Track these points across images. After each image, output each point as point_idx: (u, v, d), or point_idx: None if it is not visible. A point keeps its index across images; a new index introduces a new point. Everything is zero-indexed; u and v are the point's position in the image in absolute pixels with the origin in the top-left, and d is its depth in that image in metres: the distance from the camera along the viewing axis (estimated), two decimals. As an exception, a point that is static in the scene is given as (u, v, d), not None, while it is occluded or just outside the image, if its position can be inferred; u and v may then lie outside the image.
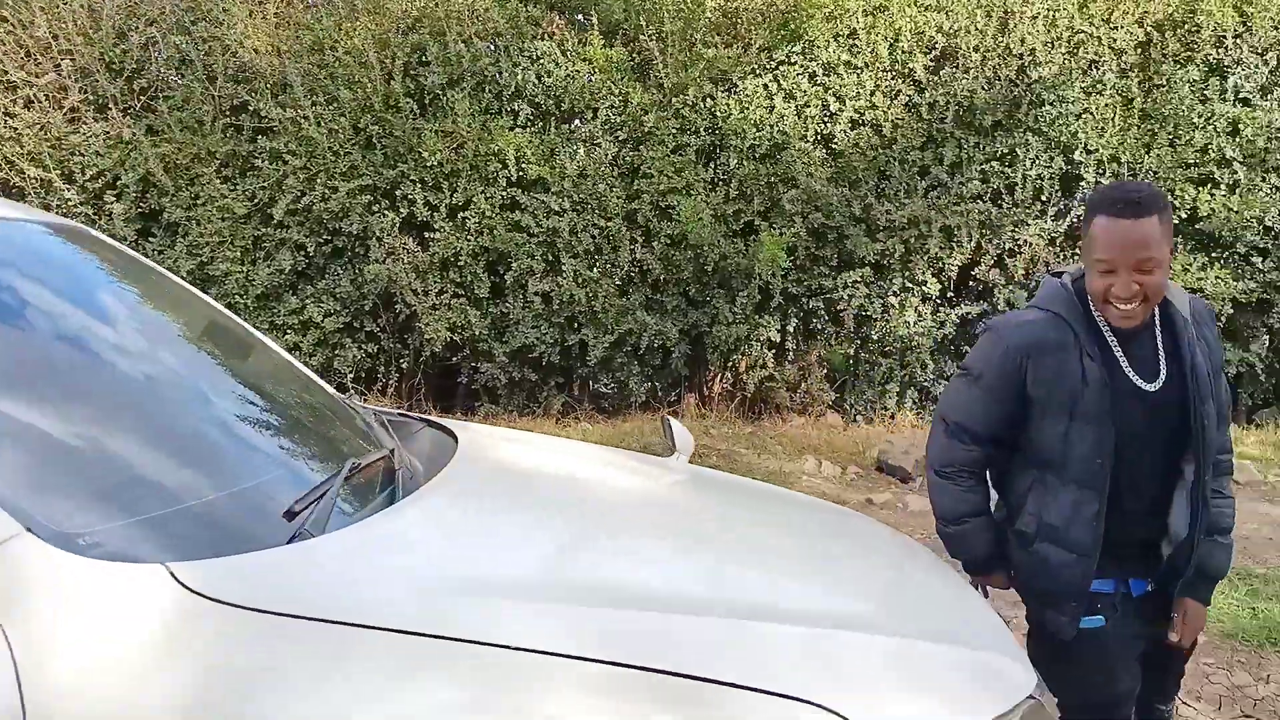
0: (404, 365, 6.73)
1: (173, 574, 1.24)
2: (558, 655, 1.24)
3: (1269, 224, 6.72)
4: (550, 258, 6.56)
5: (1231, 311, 6.78)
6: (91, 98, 6.40)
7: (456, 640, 1.23)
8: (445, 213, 6.49)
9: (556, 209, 6.51)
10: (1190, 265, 6.77)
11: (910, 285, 6.78)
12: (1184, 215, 6.77)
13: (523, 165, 6.45)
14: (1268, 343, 6.95)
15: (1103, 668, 2.07)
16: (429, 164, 6.33)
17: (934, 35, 6.73)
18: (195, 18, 6.49)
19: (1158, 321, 2.00)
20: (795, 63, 6.72)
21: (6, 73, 6.27)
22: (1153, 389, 1.96)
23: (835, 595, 1.71)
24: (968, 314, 6.85)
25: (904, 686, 1.40)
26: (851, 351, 7.00)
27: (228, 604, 1.22)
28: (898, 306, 6.77)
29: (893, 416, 6.93)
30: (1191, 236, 6.86)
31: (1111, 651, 2.05)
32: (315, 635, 1.21)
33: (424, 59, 6.51)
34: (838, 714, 1.26)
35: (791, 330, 6.85)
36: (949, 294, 6.93)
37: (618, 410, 6.90)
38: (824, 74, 6.72)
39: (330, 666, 1.20)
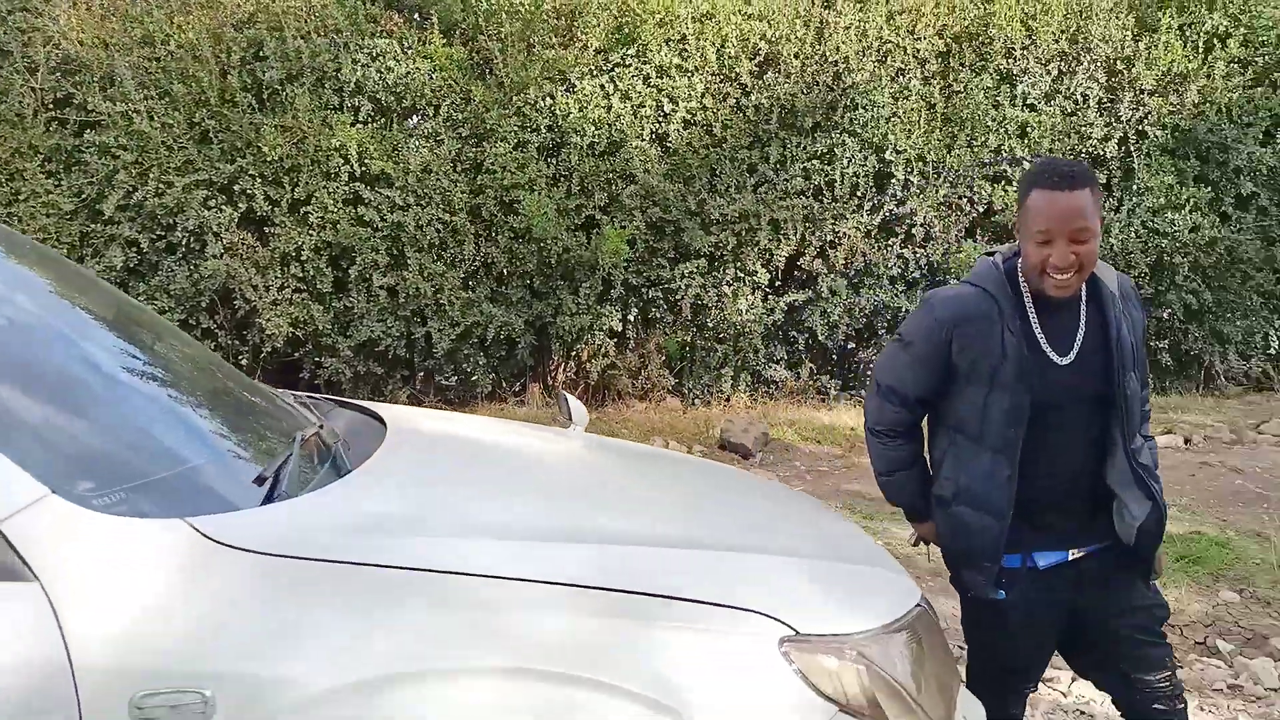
0: (243, 361, 6.67)
1: (194, 527, 1.40)
2: (530, 581, 1.46)
3: (1053, 217, 7.50)
4: (395, 252, 6.65)
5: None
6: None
7: (439, 571, 1.43)
8: (286, 207, 6.49)
9: (401, 204, 6.61)
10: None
11: (742, 275, 7.21)
12: (981, 209, 7.48)
13: (365, 160, 6.52)
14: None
15: (1004, 638, 2.18)
16: (269, 159, 6.32)
17: (758, 42, 7.19)
18: (11, 7, 6.26)
19: (1084, 297, 2.11)
20: (630, 65, 7.05)
21: None
22: (1064, 362, 2.06)
23: (745, 529, 1.96)
24: (794, 301, 7.33)
25: (823, 597, 1.66)
26: (688, 338, 7.38)
27: (243, 549, 1.39)
28: (731, 295, 7.19)
29: (728, 399, 7.35)
30: (988, 229, 7.57)
31: (1013, 623, 2.14)
32: (318, 572, 1.40)
33: (261, 54, 6.48)
34: (778, 619, 1.51)
35: (632, 319, 7.17)
36: (776, 283, 7.40)
37: (464, 401, 7.05)
38: (657, 76, 7.08)
39: (333, 598, 1.38)
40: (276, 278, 6.46)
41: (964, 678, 2.16)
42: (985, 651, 2.26)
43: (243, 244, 6.36)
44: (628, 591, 1.48)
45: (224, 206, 6.37)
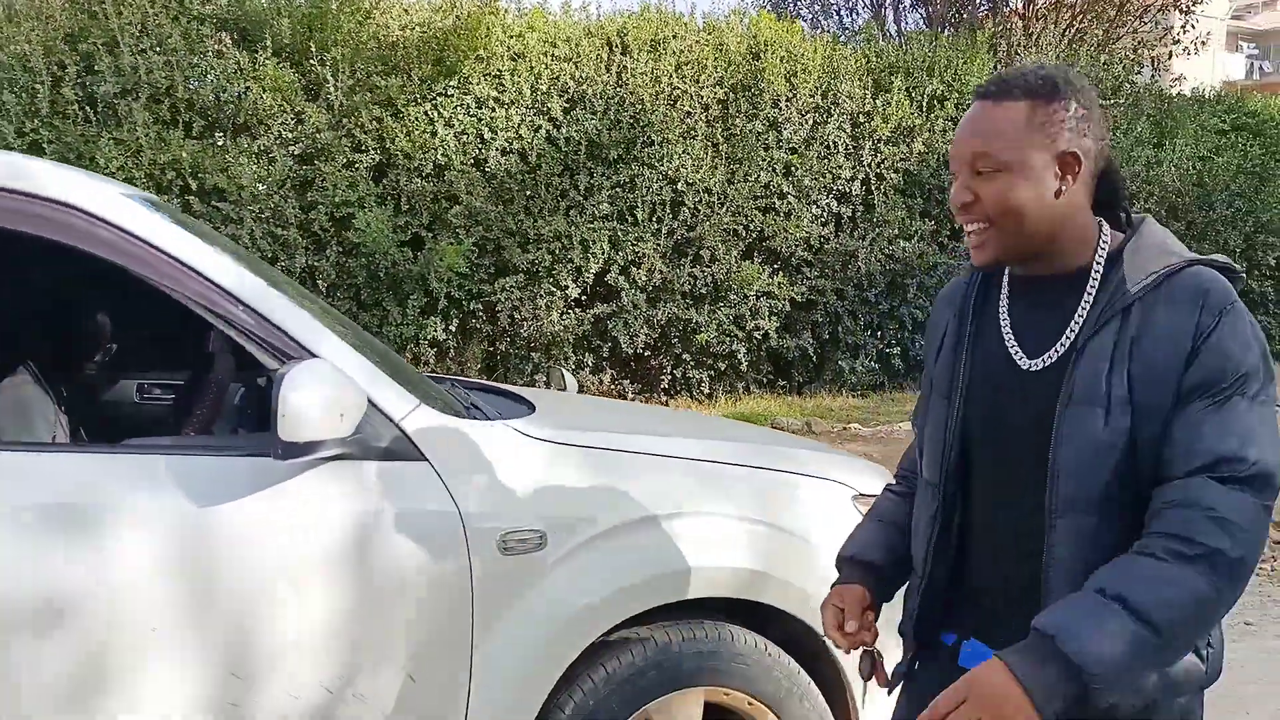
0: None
1: (512, 426, 2.11)
2: (712, 462, 2.28)
3: (812, 243, 8.87)
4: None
5: (789, 309, 8.84)
6: None
7: (658, 455, 2.25)
8: (118, 219, 6.57)
9: (234, 218, 6.88)
10: (761, 274, 8.69)
11: (555, 289, 8.01)
12: (754, 235, 8.70)
13: (199, 175, 6.74)
14: (811, 333, 9.13)
15: None
16: (105, 171, 6.42)
17: (567, 81, 8.03)
18: None
19: (1095, 283, 1.39)
20: (452, 95, 7.67)
21: None
22: (1029, 366, 1.41)
23: (783, 441, 2.83)
24: (599, 314, 8.22)
25: (863, 472, 2.48)
26: (503, 346, 8.07)
27: (539, 439, 2.13)
28: (545, 308, 7.96)
29: (543, 402, 8.10)
30: (762, 252, 8.81)
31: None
32: (583, 453, 2.16)
33: (95, 68, 6.56)
34: (847, 485, 2.38)
35: (454, 330, 7.77)
36: (584, 297, 8.26)
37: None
38: (477, 107, 7.75)
39: (600, 468, 2.16)
40: (107, 287, 6.52)
41: None
42: None
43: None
44: (772, 469, 2.35)
45: (52, 216, 6.37)
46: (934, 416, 1.52)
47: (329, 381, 1.77)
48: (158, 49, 6.66)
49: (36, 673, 1.72)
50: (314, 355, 1.86)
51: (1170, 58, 15.24)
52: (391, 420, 1.94)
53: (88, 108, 6.51)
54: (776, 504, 2.28)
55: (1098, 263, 1.39)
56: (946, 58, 9.80)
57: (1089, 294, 1.38)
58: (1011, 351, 1.44)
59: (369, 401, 1.90)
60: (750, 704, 2.18)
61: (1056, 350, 1.39)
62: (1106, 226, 1.43)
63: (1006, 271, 1.49)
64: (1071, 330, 1.38)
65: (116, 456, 1.87)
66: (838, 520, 2.22)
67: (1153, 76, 13.91)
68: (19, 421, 2.52)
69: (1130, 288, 1.34)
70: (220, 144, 6.91)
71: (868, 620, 1.56)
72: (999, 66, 10.66)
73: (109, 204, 1.91)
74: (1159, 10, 14.73)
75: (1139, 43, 14.46)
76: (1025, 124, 1.35)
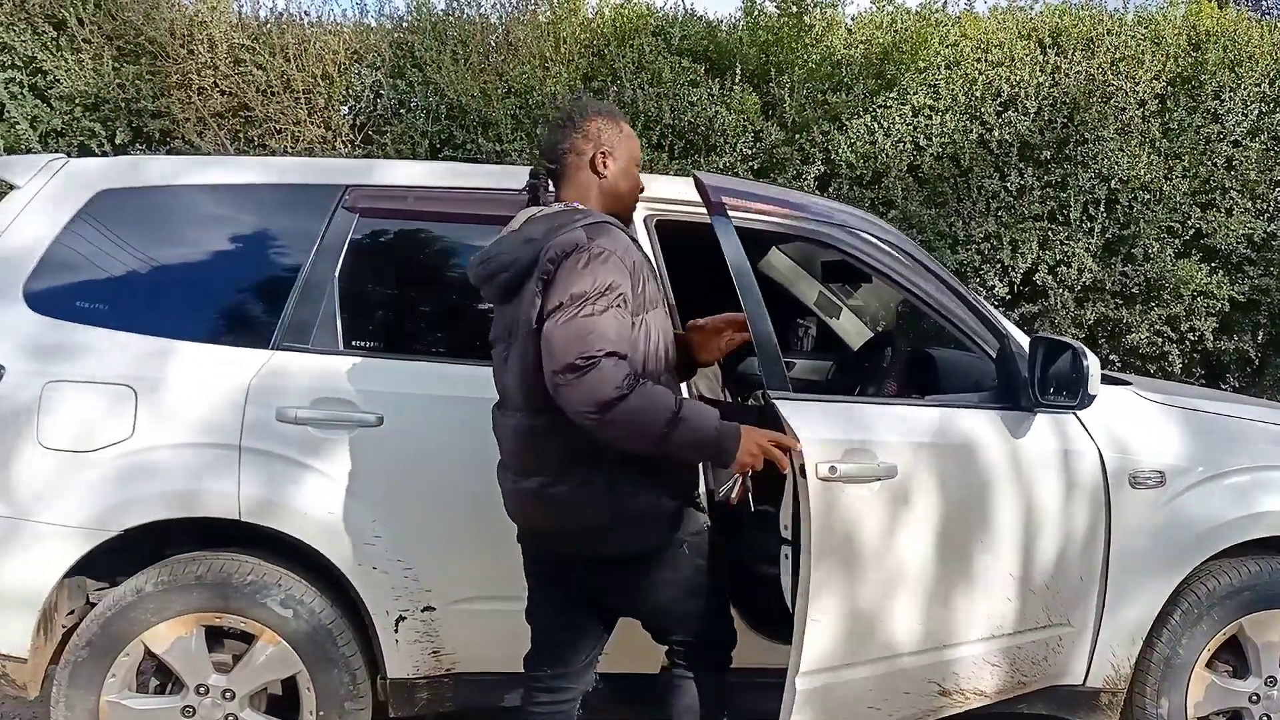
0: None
1: (1134, 391, 2.76)
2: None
3: (1255, 239, 8.55)
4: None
5: (1228, 309, 8.57)
6: None
7: (1242, 419, 2.84)
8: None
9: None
10: (1199, 272, 8.51)
11: (981, 288, 8.40)
12: (1191, 233, 8.52)
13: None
14: (1252, 335, 8.76)
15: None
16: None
17: (1001, 85, 8.36)
18: None
19: None
20: (890, 106, 8.30)
21: None
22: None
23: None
24: (1025, 313, 8.48)
25: None
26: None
27: (1160, 404, 2.80)
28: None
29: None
30: (1200, 249, 8.61)
31: None
32: (1194, 416, 2.78)
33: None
34: None
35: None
36: (1010, 296, 8.55)
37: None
38: (913, 115, 8.31)
39: (1207, 428, 2.79)
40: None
41: None
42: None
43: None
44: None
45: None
46: None
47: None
48: (652, 82, 7.89)
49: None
50: (1007, 335, 2.58)
51: None
52: None
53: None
54: None
55: None
56: None
57: None
58: None
59: None
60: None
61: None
62: None
63: None
64: None
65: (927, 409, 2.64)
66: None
67: None
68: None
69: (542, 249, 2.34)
70: (695, 162, 8.04)
71: None
72: None
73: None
74: None
75: None
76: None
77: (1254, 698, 2.65)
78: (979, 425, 2.44)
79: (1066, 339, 2.50)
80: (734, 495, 2.45)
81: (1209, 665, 2.66)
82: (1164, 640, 2.59)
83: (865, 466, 2.22)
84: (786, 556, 2.30)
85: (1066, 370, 2.39)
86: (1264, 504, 2.57)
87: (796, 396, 2.33)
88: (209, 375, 2.79)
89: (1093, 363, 2.36)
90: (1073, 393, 2.37)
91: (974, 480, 2.40)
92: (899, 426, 2.37)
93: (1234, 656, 2.70)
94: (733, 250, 2.39)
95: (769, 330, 2.35)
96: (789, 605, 2.32)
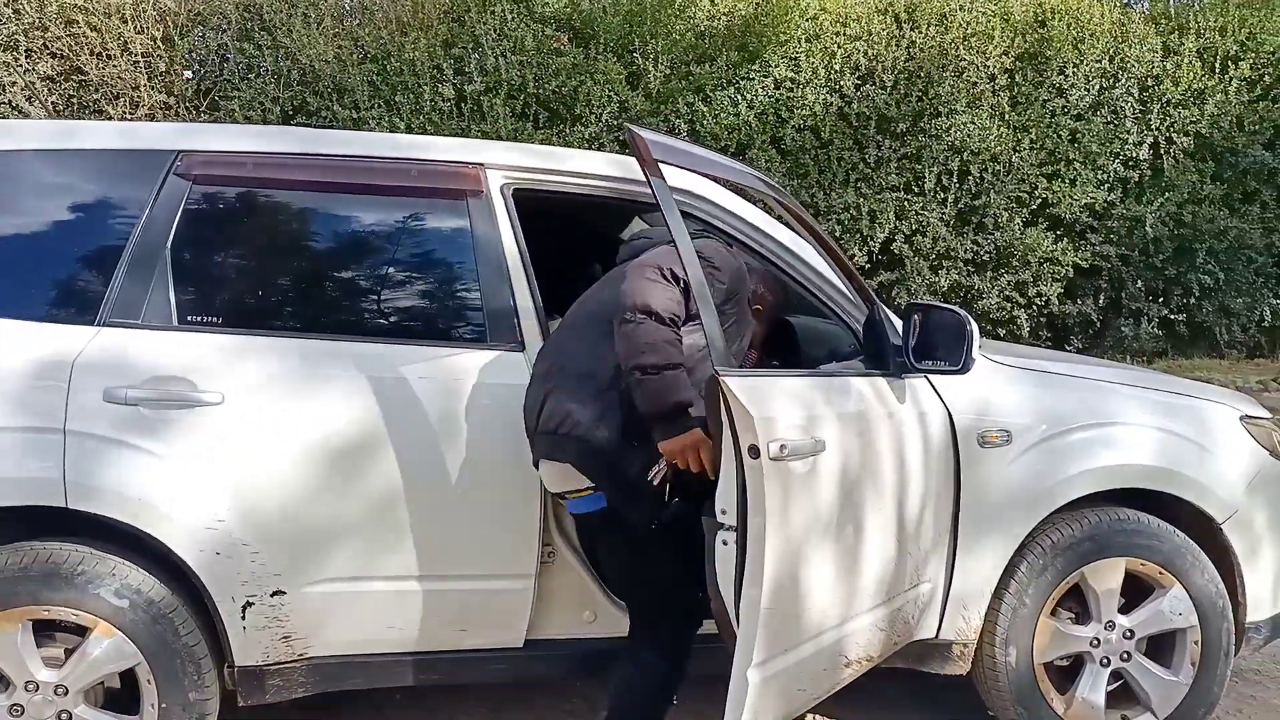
0: None
1: (988, 357, 2.78)
2: (1129, 386, 2.95)
3: (1097, 208, 9.01)
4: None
5: (1072, 275, 9.02)
6: None
7: (1086, 379, 2.89)
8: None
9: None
10: (1044, 240, 8.92)
11: (845, 257, 8.59)
12: (1038, 202, 8.91)
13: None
14: (1094, 299, 9.26)
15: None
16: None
17: (859, 59, 8.53)
18: None
19: None
20: (753, 78, 8.37)
21: None
22: None
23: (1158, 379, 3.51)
24: (883, 280, 8.73)
25: (1241, 401, 3.05)
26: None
27: (1009, 365, 2.83)
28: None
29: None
30: (1045, 218, 9.02)
31: None
32: (1024, 375, 2.84)
33: (464, 69, 7.71)
34: (1233, 407, 3.03)
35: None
36: (869, 264, 8.79)
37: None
38: (775, 88, 8.40)
39: (1037, 387, 2.84)
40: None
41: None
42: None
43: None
44: (1171, 391, 2.96)
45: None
46: None
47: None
48: (513, 50, 7.73)
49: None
50: (875, 301, 2.61)
51: None
52: None
53: (460, 105, 7.67)
54: (1177, 418, 2.86)
55: None
56: (1240, 17, 9.56)
57: None
58: None
59: None
60: (1160, 574, 2.78)
61: None
62: None
63: None
64: None
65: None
66: (1230, 434, 2.83)
67: None
68: None
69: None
70: (560, 132, 7.94)
71: None
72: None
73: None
74: None
75: None
76: None
77: (1095, 642, 2.78)
78: (870, 394, 2.46)
79: (950, 306, 2.56)
80: (656, 478, 2.40)
81: (1053, 613, 2.78)
82: (1011, 591, 2.69)
83: (805, 441, 2.18)
84: (725, 544, 2.17)
85: (949, 336, 2.44)
86: (1104, 458, 2.69)
87: (742, 372, 2.26)
88: (29, 354, 2.57)
89: (974, 329, 2.43)
90: (955, 358, 2.45)
91: (877, 450, 2.42)
92: (825, 399, 2.37)
93: (1076, 603, 2.83)
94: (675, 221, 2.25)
95: (714, 313, 2.28)
96: (722, 595, 2.20)
